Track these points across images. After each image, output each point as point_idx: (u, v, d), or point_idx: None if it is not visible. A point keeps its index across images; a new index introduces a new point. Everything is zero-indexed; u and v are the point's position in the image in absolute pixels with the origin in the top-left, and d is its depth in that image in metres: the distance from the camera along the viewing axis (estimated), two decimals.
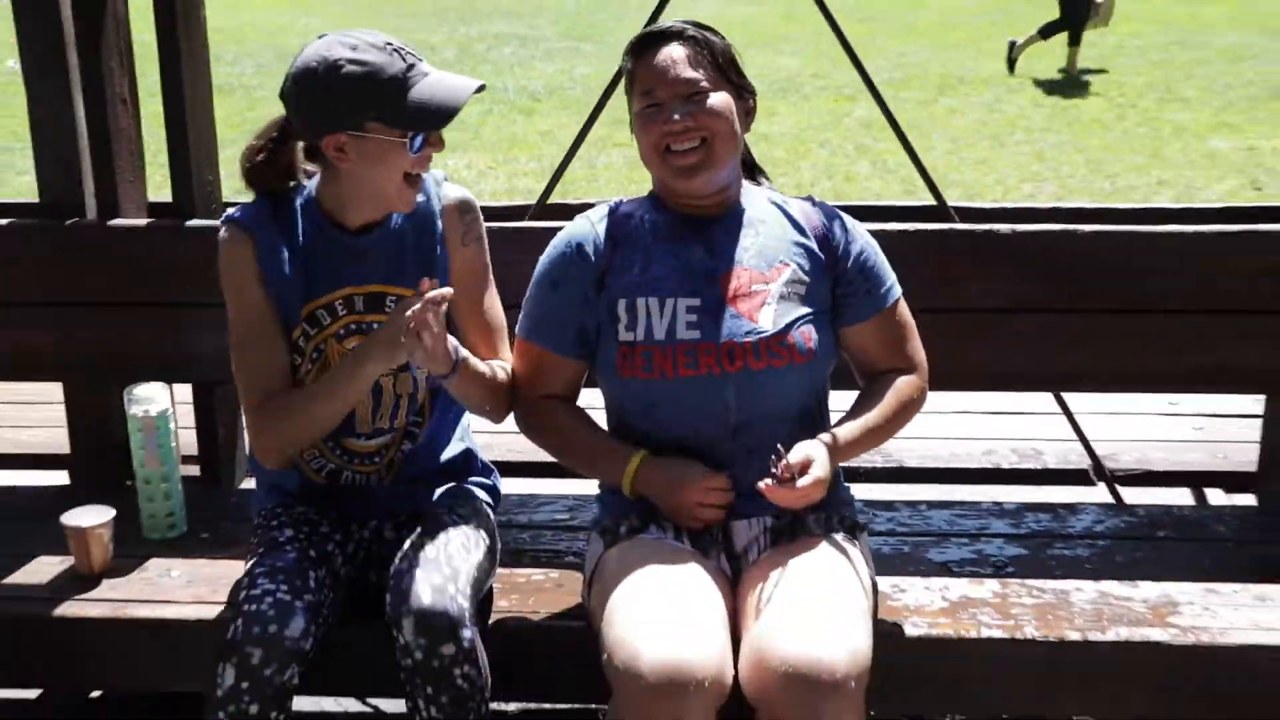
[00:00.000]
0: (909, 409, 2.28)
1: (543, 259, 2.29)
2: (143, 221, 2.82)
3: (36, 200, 2.95)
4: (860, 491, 3.12)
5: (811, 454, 2.09)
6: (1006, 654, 2.28)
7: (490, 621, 2.34)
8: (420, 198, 2.25)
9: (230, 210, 2.31)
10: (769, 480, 2.04)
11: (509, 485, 2.68)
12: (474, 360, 2.21)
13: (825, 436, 2.16)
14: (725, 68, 2.15)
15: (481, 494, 2.43)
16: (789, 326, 2.15)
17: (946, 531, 2.66)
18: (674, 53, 2.13)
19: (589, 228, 2.27)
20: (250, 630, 2.03)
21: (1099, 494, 3.07)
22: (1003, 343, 2.70)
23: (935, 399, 2.46)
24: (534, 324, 2.27)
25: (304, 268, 2.26)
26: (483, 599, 2.25)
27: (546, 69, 13.69)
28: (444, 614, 2.03)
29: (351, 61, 2.06)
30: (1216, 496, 3.18)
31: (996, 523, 2.70)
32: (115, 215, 2.85)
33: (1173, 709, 2.31)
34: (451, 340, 2.13)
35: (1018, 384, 2.81)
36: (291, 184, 2.30)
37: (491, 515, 2.41)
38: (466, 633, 2.05)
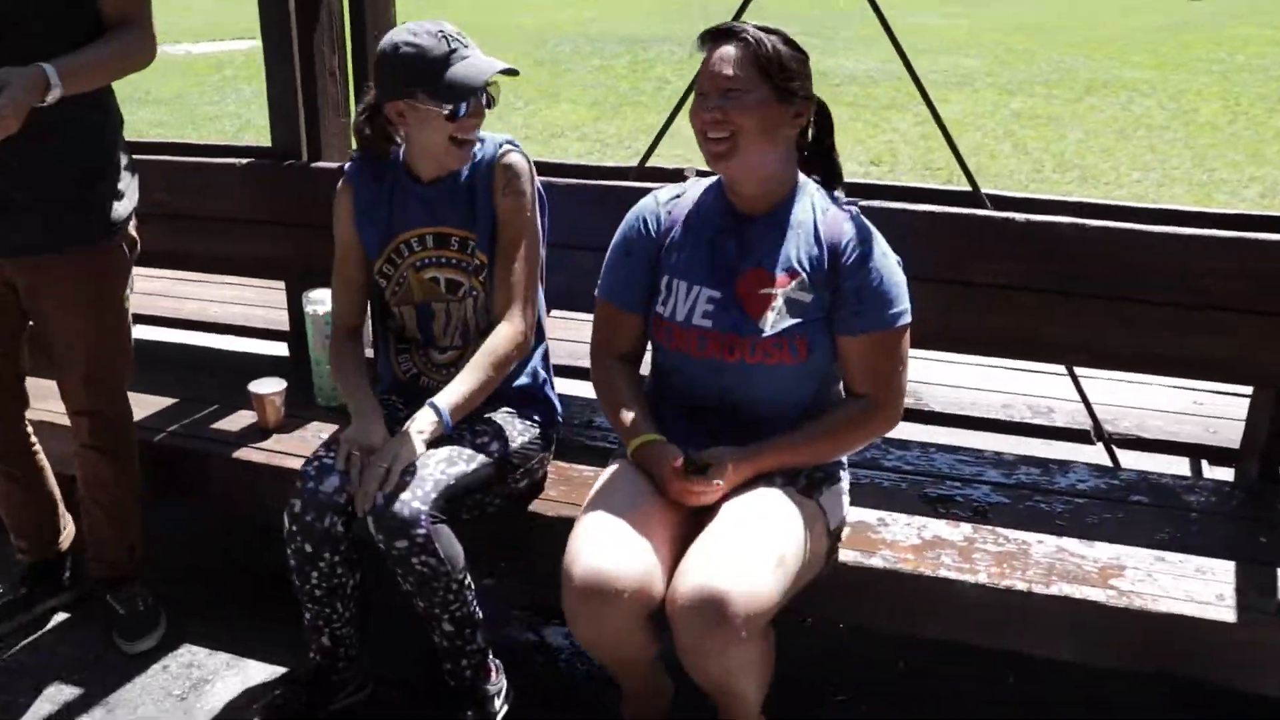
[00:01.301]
0: (851, 436, 1.90)
1: (620, 228, 2.02)
2: (334, 165, 2.68)
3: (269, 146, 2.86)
4: None
5: (715, 458, 1.82)
6: (956, 594, 1.92)
7: (530, 508, 2.17)
8: (481, 157, 2.09)
9: (348, 164, 2.22)
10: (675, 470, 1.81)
11: (586, 388, 2.40)
12: (456, 396, 2.02)
13: (751, 447, 1.85)
14: (771, 71, 1.76)
15: (518, 422, 2.17)
16: (784, 332, 1.83)
17: (944, 474, 2.28)
18: (725, 51, 1.79)
19: (655, 206, 1.99)
20: (295, 484, 1.96)
21: (1097, 454, 2.62)
22: (1006, 314, 2.27)
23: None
24: (608, 285, 2.01)
25: (388, 209, 2.14)
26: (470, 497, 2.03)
27: None
28: (395, 516, 1.87)
29: (407, 44, 1.97)
30: (1208, 470, 2.68)
31: (991, 471, 2.29)
32: (319, 160, 2.74)
33: (1098, 657, 1.92)
34: (435, 406, 2.00)
35: (1019, 352, 2.38)
36: (393, 144, 2.15)
37: (521, 436, 2.14)
38: (420, 530, 1.87)
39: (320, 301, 2.52)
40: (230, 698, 2.29)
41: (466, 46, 1.99)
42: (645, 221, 1.98)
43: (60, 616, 2.56)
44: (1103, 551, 2.00)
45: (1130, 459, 2.64)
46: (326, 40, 2.68)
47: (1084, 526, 2.09)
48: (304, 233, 2.70)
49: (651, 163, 2.79)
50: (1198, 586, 1.89)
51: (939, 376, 2.77)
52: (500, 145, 2.12)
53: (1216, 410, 2.65)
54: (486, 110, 2.06)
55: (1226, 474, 2.52)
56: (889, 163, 7.55)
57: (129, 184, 2.22)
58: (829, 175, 1.96)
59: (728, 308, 1.86)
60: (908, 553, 2.00)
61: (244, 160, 2.80)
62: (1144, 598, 1.86)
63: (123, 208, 2.19)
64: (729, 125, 1.77)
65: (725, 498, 1.82)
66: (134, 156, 2.26)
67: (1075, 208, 2.33)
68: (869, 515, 2.13)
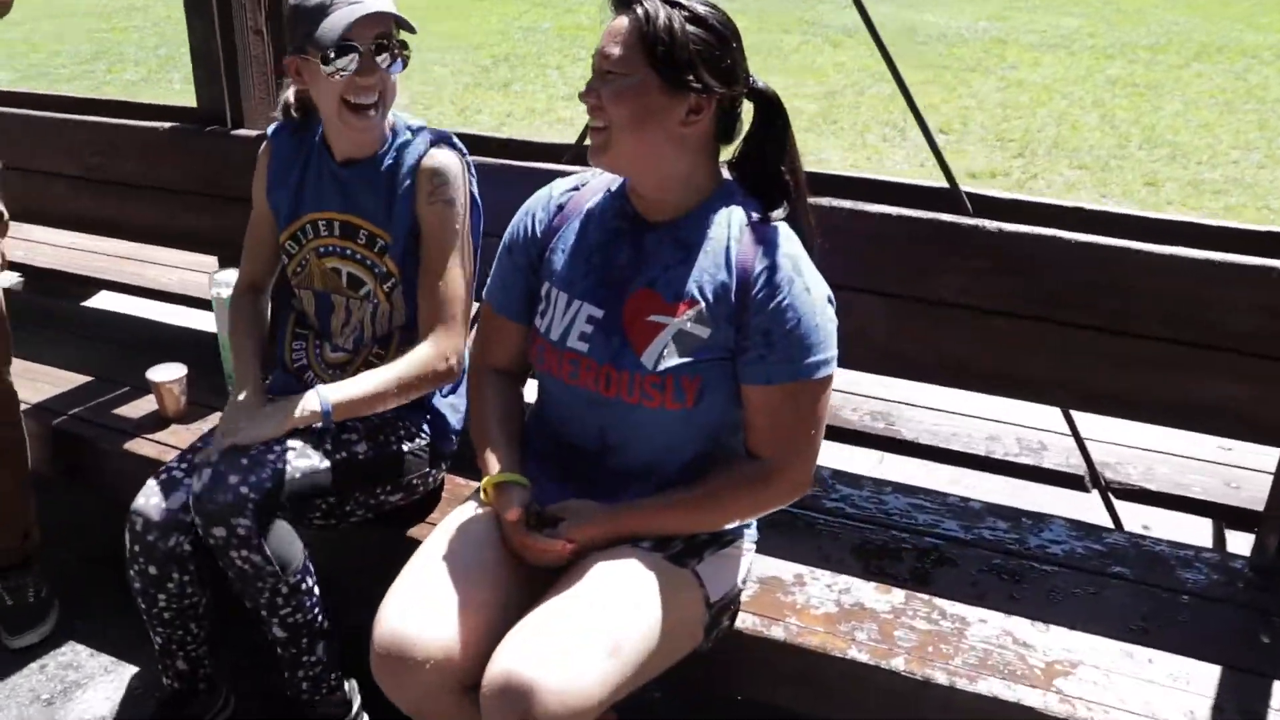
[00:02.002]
0: (739, 504, 1.57)
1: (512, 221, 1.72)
2: (255, 133, 2.44)
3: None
4: (846, 453, 2.47)
5: (569, 513, 1.54)
6: (863, 678, 1.61)
7: (409, 531, 1.92)
8: (407, 150, 1.82)
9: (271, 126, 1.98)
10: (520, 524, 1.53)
11: None
12: (349, 393, 1.77)
13: (616, 506, 1.55)
14: (652, 48, 1.41)
15: (401, 428, 1.91)
16: (671, 370, 1.50)
17: (893, 521, 1.95)
18: (615, 24, 1.46)
19: (547, 198, 1.67)
20: (138, 500, 1.75)
21: (1091, 505, 2.25)
22: (975, 340, 1.91)
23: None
24: (490, 285, 1.72)
25: (299, 184, 1.89)
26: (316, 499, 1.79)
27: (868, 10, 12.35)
28: (214, 500, 1.64)
29: None
30: (1231, 536, 2.28)
31: (950, 523, 1.95)
32: (242, 126, 2.51)
33: None
34: (321, 395, 1.76)
35: (990, 385, 2.00)
36: (309, 113, 1.91)
37: (400, 443, 1.89)
38: (243, 521, 1.64)
39: (227, 284, 2.28)
40: (98, 708, 2.11)
41: None
42: (532, 216, 1.67)
43: None
44: (1056, 640, 1.66)
45: (1135, 514, 2.26)
46: None
47: (1042, 603, 1.74)
48: (224, 204, 2.47)
49: None
50: (1164, 698, 1.54)
51: (918, 396, 2.41)
52: (430, 142, 1.83)
53: (1245, 460, 2.24)
54: (390, 74, 1.76)
55: (1247, 542, 2.13)
56: (958, 132, 7.01)
57: None
58: (767, 195, 1.56)
59: (609, 333, 1.55)
60: (818, 623, 1.69)
61: (167, 124, 2.58)
62: (1091, 708, 1.52)
63: None
64: (604, 115, 1.46)
65: (577, 561, 1.53)
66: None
67: (1068, 214, 1.94)
68: (787, 570, 1.82)
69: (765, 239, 1.51)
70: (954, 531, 1.94)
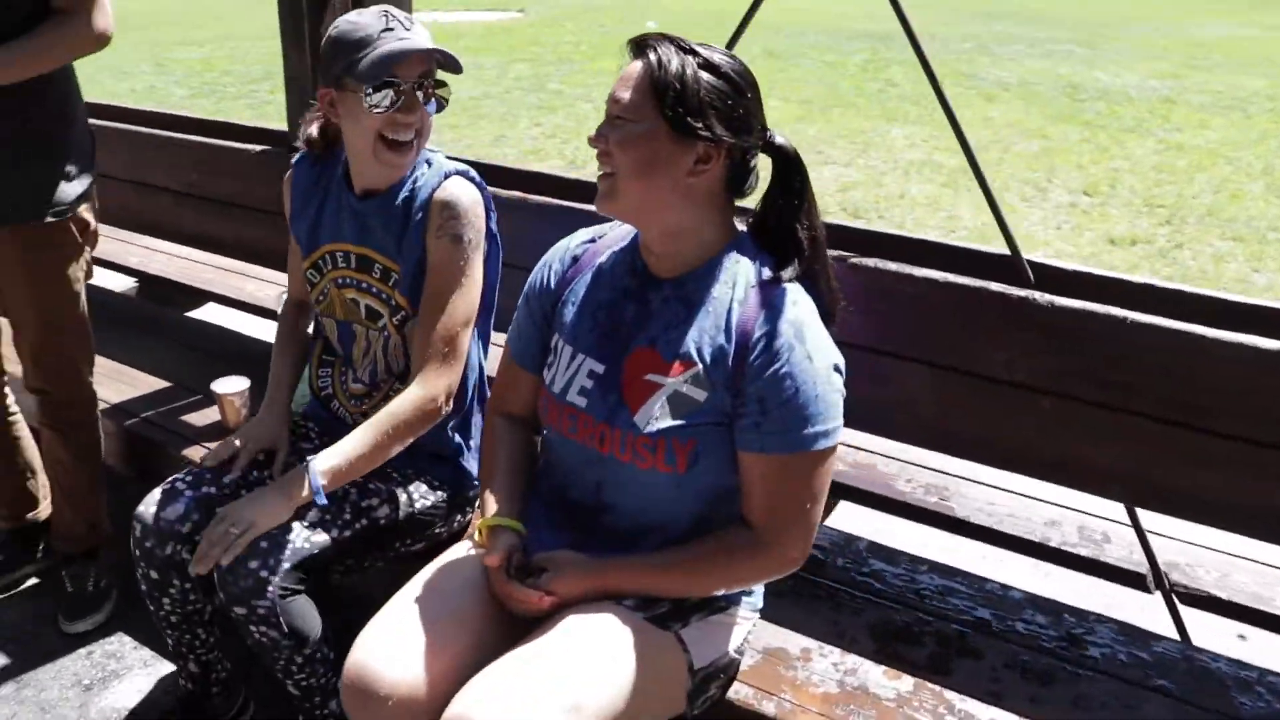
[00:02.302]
0: (726, 572, 1.49)
1: None
2: None
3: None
4: (889, 525, 2.35)
5: (554, 564, 1.50)
6: None
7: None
8: (422, 183, 1.81)
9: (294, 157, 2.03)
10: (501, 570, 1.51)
11: None
12: (339, 459, 1.74)
13: (603, 561, 1.51)
14: (662, 97, 1.38)
15: (421, 485, 1.90)
16: (663, 433, 1.45)
17: (921, 603, 1.85)
18: (630, 68, 1.43)
19: (564, 249, 1.66)
20: (139, 507, 1.80)
21: (1155, 610, 2.07)
22: (1027, 423, 1.78)
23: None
24: (511, 331, 1.71)
25: (317, 215, 1.93)
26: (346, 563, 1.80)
27: (1032, 65, 11.99)
28: (236, 584, 1.65)
29: (346, 22, 1.74)
30: None
31: (983, 610, 1.84)
32: None
33: None
34: (312, 472, 1.72)
35: (1040, 472, 1.87)
36: (332, 145, 1.93)
37: (421, 500, 1.89)
38: (263, 603, 1.64)
39: None
40: (128, 700, 2.19)
41: (408, 30, 1.72)
42: (549, 267, 1.66)
43: (33, 584, 2.58)
44: None
45: (1207, 625, 2.07)
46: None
47: (1066, 711, 1.60)
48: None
49: None
50: None
51: (979, 471, 2.28)
52: (445, 174, 1.82)
53: None
54: (431, 113, 1.79)
55: None
56: (1104, 194, 6.67)
57: (81, 167, 2.17)
58: (781, 253, 1.51)
59: (607, 389, 1.51)
60: (814, 703, 1.61)
61: (258, 147, 2.70)
62: None
63: (70, 190, 2.13)
64: (611, 161, 1.43)
65: (556, 613, 1.49)
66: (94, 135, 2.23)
67: (1140, 291, 1.80)
68: (796, 642, 1.74)
69: (770, 302, 1.45)
70: (985, 620, 1.82)
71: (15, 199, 2.07)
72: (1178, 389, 1.66)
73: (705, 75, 1.41)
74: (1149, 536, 2.01)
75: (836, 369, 1.45)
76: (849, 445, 2.38)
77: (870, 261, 1.87)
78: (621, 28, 12.75)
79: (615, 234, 1.64)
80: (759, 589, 1.66)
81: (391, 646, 1.45)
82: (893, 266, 1.86)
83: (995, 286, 1.78)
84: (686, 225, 1.48)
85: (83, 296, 2.25)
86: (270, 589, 1.64)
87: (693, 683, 1.53)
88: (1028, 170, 7.30)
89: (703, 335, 1.46)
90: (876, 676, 1.67)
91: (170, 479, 1.84)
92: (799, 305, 1.45)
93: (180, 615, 1.85)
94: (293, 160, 2.02)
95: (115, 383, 2.70)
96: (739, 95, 1.43)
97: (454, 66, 1.76)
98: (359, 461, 1.75)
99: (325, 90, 1.77)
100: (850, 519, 2.49)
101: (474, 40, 12.80)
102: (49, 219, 2.10)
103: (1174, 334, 1.64)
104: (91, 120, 2.24)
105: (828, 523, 2.45)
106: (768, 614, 1.77)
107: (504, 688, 1.36)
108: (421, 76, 1.74)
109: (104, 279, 3.66)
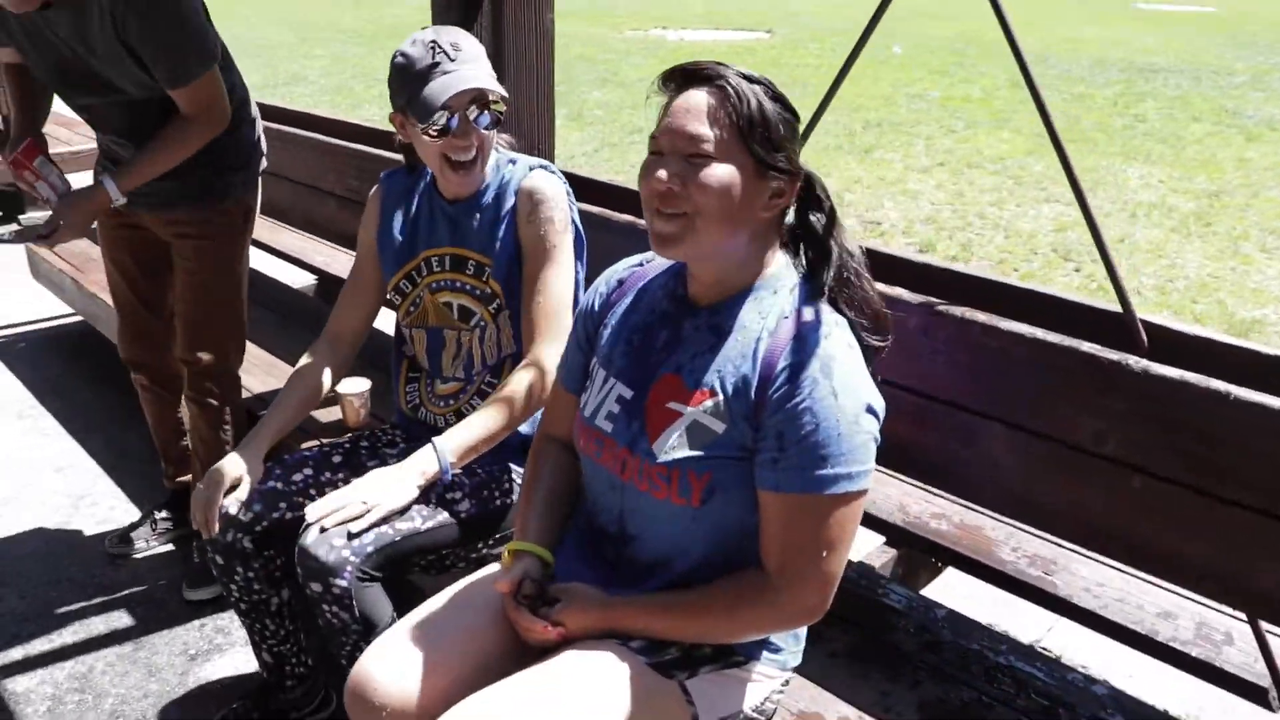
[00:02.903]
0: (735, 617, 1.41)
1: None
2: None
3: None
4: (989, 593, 2.17)
5: (567, 595, 1.48)
6: None
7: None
8: (509, 179, 1.94)
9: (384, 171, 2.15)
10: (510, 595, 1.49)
11: None
12: (463, 439, 1.83)
13: (613, 598, 1.46)
14: (748, 134, 1.34)
15: (511, 480, 1.96)
16: (678, 464, 1.40)
17: (986, 685, 1.69)
18: (694, 99, 1.35)
19: (613, 274, 1.64)
20: None
21: None
22: (1113, 501, 1.59)
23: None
24: (561, 355, 1.73)
25: (412, 224, 2.03)
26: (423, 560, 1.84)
27: None
28: (317, 559, 1.70)
29: (400, 55, 1.84)
30: None
31: (1055, 703, 1.66)
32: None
33: None
34: (439, 449, 1.82)
35: (1125, 555, 1.65)
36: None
37: (507, 497, 1.94)
38: (339, 581, 1.69)
39: None
40: (221, 676, 2.35)
41: (453, 60, 1.80)
42: (596, 291, 1.64)
43: (171, 550, 2.82)
44: None
45: None
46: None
47: None
48: None
49: None
50: None
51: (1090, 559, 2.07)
52: (530, 169, 1.94)
53: None
54: (487, 131, 1.86)
55: None
56: None
57: (246, 157, 2.46)
58: (817, 260, 1.46)
59: (632, 415, 1.48)
60: None
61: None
62: None
63: (237, 178, 2.43)
64: (686, 202, 1.36)
65: (562, 646, 1.46)
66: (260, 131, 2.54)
67: (1265, 363, 1.58)
68: (835, 709, 1.63)
69: (801, 334, 1.37)
70: (1055, 714, 1.65)
71: (186, 187, 2.37)
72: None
73: (774, 105, 1.37)
74: (1272, 643, 1.76)
75: (870, 411, 1.35)
76: (957, 503, 2.23)
77: (958, 310, 1.74)
78: (867, 52, 12.57)
79: (662, 259, 1.60)
80: (791, 645, 1.58)
81: (394, 660, 1.48)
82: (981, 317, 1.72)
83: (1086, 347, 1.61)
84: (743, 258, 1.43)
85: (241, 280, 2.51)
86: (349, 570, 1.70)
87: None
88: (1276, 219, 6.61)
89: (727, 364, 1.41)
90: None
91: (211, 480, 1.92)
92: (831, 339, 1.37)
93: (248, 604, 1.96)
94: (381, 176, 2.12)
95: (264, 374, 2.91)
96: (796, 125, 1.40)
97: (499, 97, 1.85)
98: (482, 442, 1.84)
99: (395, 114, 1.89)
100: (946, 583, 2.34)
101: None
102: (214, 203, 2.40)
103: (1266, 410, 1.43)
104: (273, 124, 2.48)
105: (927, 590, 2.31)
106: (813, 673, 1.69)
107: (485, 713, 1.35)
108: (474, 100, 1.82)
109: (288, 275, 3.97)
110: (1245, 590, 1.53)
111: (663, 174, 1.36)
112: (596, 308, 1.62)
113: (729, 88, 1.35)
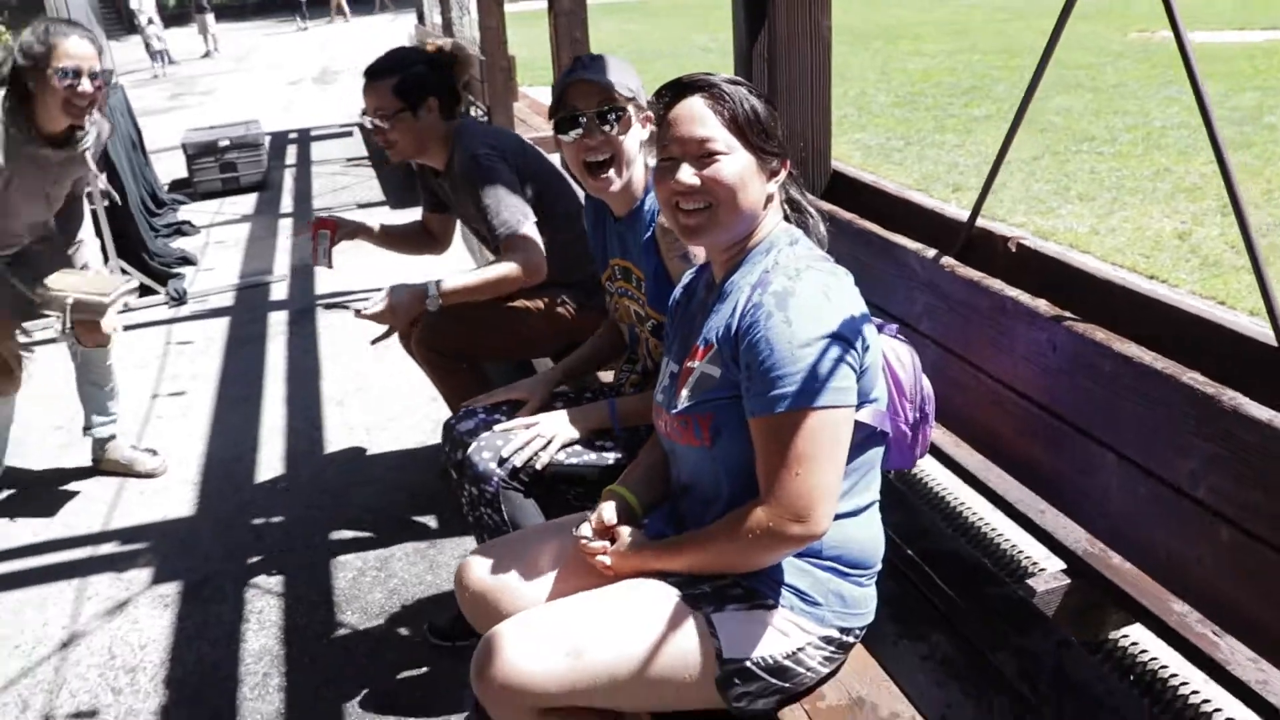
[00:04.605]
0: (735, 537, 1.54)
1: None
2: None
3: None
4: None
5: (618, 539, 1.73)
6: None
7: None
8: (652, 204, 2.12)
9: None
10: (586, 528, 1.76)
11: None
12: (630, 404, 2.18)
13: (647, 541, 1.70)
14: (746, 129, 1.57)
15: None
16: (688, 410, 1.62)
17: None
18: (693, 106, 1.58)
19: (678, 288, 1.88)
20: (449, 419, 2.39)
21: None
22: (1201, 549, 1.45)
23: None
24: None
25: (603, 236, 2.35)
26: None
27: None
28: (474, 465, 2.12)
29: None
30: None
31: None
32: None
33: None
34: (610, 410, 2.18)
35: (1212, 612, 1.47)
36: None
37: None
38: (488, 488, 2.10)
39: None
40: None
41: (587, 67, 2.06)
42: (672, 300, 1.88)
43: None
44: None
45: None
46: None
47: None
48: None
49: None
50: None
51: None
52: None
53: None
54: (618, 136, 2.06)
55: None
56: None
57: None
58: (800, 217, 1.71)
59: (673, 382, 1.71)
60: None
61: None
62: None
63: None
64: (706, 196, 1.59)
65: (617, 579, 1.70)
66: None
67: None
68: (889, 698, 1.67)
69: (770, 279, 1.54)
70: None
71: None
72: None
73: (759, 101, 1.59)
74: None
75: (824, 338, 1.47)
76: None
77: (1080, 326, 1.68)
78: None
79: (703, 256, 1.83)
80: (834, 604, 1.65)
81: (493, 556, 1.84)
82: (1099, 335, 1.65)
83: (1188, 376, 1.49)
84: (750, 229, 1.64)
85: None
86: (496, 479, 2.10)
87: (720, 671, 1.61)
88: None
89: (722, 319, 1.61)
90: None
91: (471, 404, 2.40)
92: (800, 279, 1.52)
93: (474, 519, 2.37)
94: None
95: None
96: (776, 115, 1.62)
97: (625, 94, 2.06)
98: (644, 413, 2.12)
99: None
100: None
101: (1221, 64, 11.40)
102: None
103: None
104: None
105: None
106: (905, 662, 1.73)
107: (532, 621, 1.65)
108: (601, 104, 2.03)
109: None
110: None
111: (683, 176, 1.58)
112: (674, 303, 1.87)
113: (720, 92, 1.57)
